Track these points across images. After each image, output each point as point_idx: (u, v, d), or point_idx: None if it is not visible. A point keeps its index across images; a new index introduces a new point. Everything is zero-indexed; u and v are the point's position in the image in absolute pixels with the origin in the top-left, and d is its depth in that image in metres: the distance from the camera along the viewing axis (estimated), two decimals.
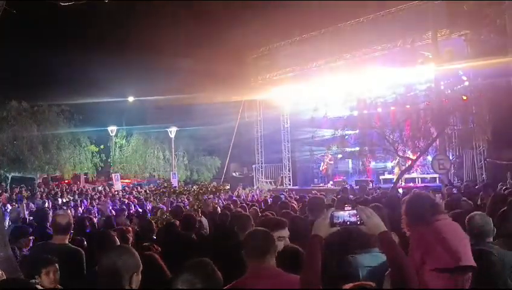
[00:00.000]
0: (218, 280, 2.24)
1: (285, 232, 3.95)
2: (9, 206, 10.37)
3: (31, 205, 11.07)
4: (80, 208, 14.83)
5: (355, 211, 2.50)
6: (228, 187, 23.25)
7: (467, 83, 17.48)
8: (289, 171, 26.73)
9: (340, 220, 2.50)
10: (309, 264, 2.48)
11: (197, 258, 2.43)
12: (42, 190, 22.42)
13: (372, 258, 3.83)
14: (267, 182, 26.53)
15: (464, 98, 16.99)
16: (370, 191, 14.49)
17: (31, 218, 8.50)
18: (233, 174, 31.43)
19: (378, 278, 3.62)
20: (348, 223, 2.51)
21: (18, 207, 7.62)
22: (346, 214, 2.51)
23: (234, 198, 13.82)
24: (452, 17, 17.52)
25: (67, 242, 4.62)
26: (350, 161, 23.48)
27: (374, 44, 20.23)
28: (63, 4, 4.73)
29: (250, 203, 11.31)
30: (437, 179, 17.95)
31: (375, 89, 21.39)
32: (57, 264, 3.63)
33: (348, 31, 21.37)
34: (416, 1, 18.66)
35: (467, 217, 4.30)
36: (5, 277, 2.67)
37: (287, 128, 26.90)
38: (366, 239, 3.80)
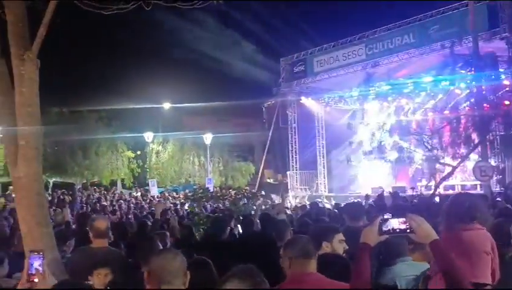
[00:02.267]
0: (267, 287, 2.21)
1: (343, 236, 3.99)
2: (51, 211, 10.67)
3: (76, 207, 11.39)
4: (118, 213, 15.11)
5: (404, 219, 2.43)
6: (263, 193, 23.31)
7: (508, 88, 17.00)
8: (324, 178, 26.50)
9: (389, 228, 2.43)
10: (359, 273, 2.42)
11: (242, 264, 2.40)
12: (82, 195, 22.96)
13: (409, 268, 3.76)
14: (301, 188, 26.37)
15: (507, 103, 16.52)
16: (408, 197, 14.23)
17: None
18: (268, 180, 31.43)
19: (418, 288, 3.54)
20: (398, 230, 2.43)
21: (62, 211, 7.83)
22: (396, 222, 2.43)
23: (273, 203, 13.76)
24: (493, 20, 17.08)
25: (107, 245, 4.70)
26: (388, 166, 23.12)
27: (411, 48, 19.85)
28: (105, 13, 4.82)
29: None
30: (478, 186, 17.45)
31: (413, 94, 21.09)
32: (110, 268, 3.70)
33: (385, 36, 21.07)
34: (456, 3, 18.26)
35: None
36: (54, 279, 2.73)
37: (322, 134, 26.72)
38: (397, 248, 3.75)
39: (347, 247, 3.96)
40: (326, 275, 3.08)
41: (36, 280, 2.47)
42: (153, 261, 2.66)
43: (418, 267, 3.60)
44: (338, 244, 3.90)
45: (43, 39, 3.54)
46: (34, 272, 2.48)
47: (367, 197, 16.02)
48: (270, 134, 27.73)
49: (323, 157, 26.61)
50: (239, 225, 7.89)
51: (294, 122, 26.74)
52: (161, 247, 4.08)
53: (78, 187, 27.67)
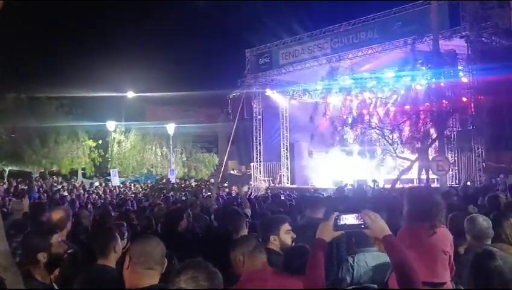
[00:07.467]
0: (221, 279, 2.20)
1: (289, 225, 3.90)
2: (7, 200, 10.32)
3: (33, 197, 11.05)
4: (76, 203, 14.76)
5: (358, 214, 2.44)
6: (226, 184, 23.28)
7: (466, 85, 17.50)
8: (287, 169, 26.71)
9: (344, 223, 2.46)
10: (313, 268, 2.43)
11: (194, 257, 2.37)
12: (39, 184, 22.34)
13: (373, 258, 3.82)
14: (265, 180, 26.51)
15: (464, 99, 17.01)
16: (369, 191, 14.46)
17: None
18: (231, 171, 31.39)
19: (380, 279, 3.60)
20: (352, 226, 2.46)
21: (21, 201, 7.56)
22: (350, 217, 2.45)
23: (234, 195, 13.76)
24: (454, 19, 17.52)
25: (63, 238, 4.54)
26: (350, 159, 23.47)
27: (375, 44, 20.17)
28: None
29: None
30: (435, 180, 17.93)
31: (376, 89, 21.45)
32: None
33: (350, 31, 21.31)
34: (418, 1, 18.63)
35: (469, 217, 4.24)
36: None
37: (286, 126, 26.90)
38: (364, 238, 3.78)
39: (295, 236, 3.87)
40: (294, 269, 3.08)
41: None
42: (137, 246, 2.70)
43: (382, 258, 3.64)
44: (285, 236, 3.79)
45: None
46: None
47: (325, 190, 16.18)
48: (234, 125, 27.64)
49: (286, 149, 26.80)
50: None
51: (259, 114, 26.81)
52: (119, 238, 3.96)
53: (35, 176, 26.87)
